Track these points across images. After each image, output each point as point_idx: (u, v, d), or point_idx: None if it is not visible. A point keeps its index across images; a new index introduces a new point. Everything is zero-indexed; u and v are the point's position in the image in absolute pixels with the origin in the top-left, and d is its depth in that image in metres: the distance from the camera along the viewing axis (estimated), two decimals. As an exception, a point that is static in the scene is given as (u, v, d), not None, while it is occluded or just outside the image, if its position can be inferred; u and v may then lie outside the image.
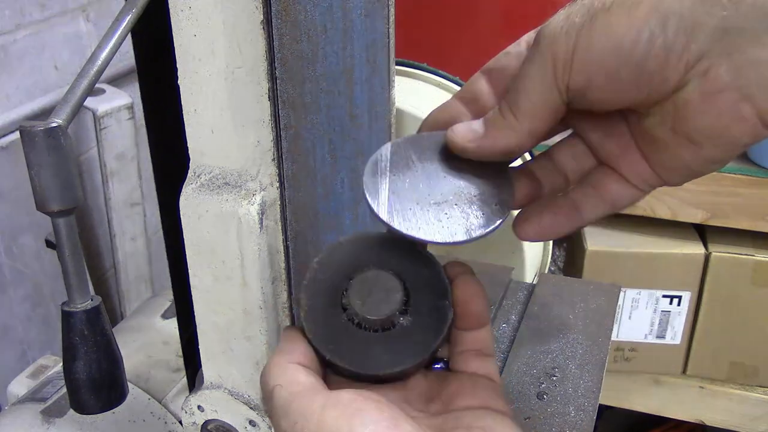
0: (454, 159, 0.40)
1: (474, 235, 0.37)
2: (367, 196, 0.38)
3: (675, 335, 1.36)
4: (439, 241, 0.37)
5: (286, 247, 0.53)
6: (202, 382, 0.58)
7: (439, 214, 0.38)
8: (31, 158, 0.44)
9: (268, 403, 0.38)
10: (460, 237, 0.37)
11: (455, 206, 0.38)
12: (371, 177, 0.39)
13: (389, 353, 0.39)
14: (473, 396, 0.40)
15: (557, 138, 0.46)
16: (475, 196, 0.39)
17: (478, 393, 0.41)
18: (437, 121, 0.43)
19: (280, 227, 0.52)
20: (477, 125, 0.40)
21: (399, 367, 0.39)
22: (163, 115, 0.53)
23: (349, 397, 0.36)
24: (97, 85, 0.61)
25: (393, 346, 0.39)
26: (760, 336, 1.32)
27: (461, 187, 0.39)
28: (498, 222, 0.38)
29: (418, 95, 0.84)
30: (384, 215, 0.38)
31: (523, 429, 0.40)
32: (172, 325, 0.85)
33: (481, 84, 0.43)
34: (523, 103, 0.38)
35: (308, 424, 0.35)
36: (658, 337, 1.37)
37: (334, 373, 0.41)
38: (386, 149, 0.41)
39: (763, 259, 1.26)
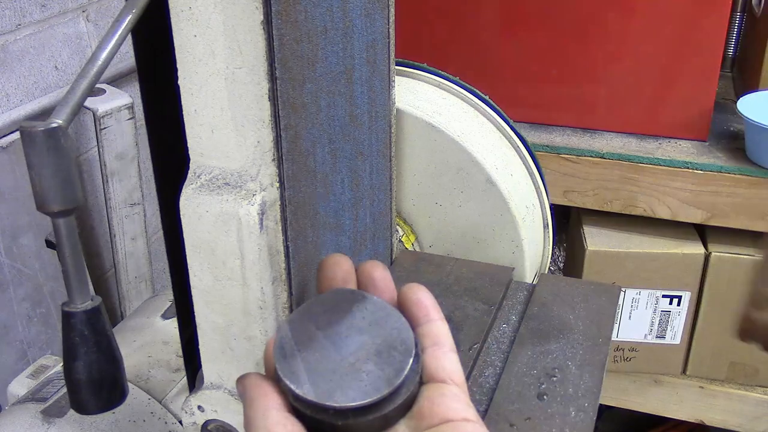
0: (347, 316, 0.43)
1: (395, 383, 0.40)
2: (289, 383, 0.40)
3: (675, 335, 1.36)
4: (368, 401, 0.39)
5: (286, 248, 0.53)
6: (202, 382, 0.58)
7: (359, 374, 0.40)
8: (31, 158, 0.44)
9: None
10: (385, 389, 0.40)
11: (368, 362, 0.41)
12: (283, 362, 0.41)
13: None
14: (432, 409, 0.41)
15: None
16: (380, 345, 0.42)
17: (438, 403, 0.41)
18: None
19: (280, 227, 0.52)
20: None
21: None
22: (163, 115, 0.53)
23: None
24: (97, 85, 0.61)
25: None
26: (760, 336, 1.32)
27: (365, 342, 0.42)
28: (410, 362, 0.41)
29: (417, 95, 0.84)
30: (312, 397, 0.39)
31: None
32: (172, 325, 0.85)
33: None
34: None
35: None
36: (658, 337, 1.37)
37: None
38: (285, 330, 0.43)
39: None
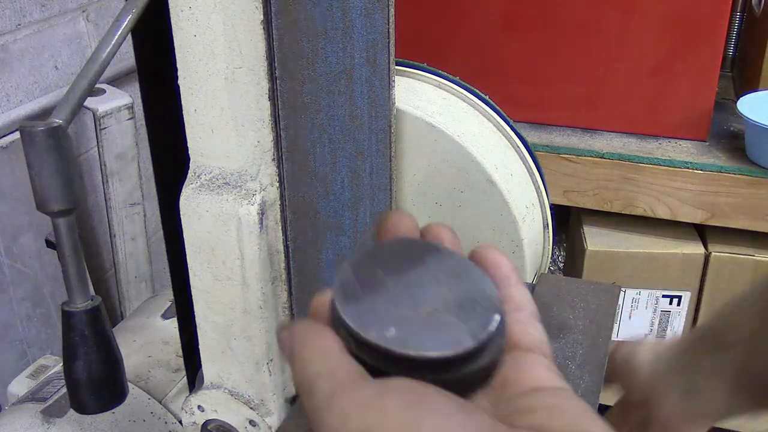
0: (420, 265, 0.37)
1: (481, 336, 0.34)
2: (353, 326, 0.33)
3: (675, 335, 1.36)
4: (450, 353, 0.33)
5: (286, 247, 0.53)
6: (202, 382, 0.58)
7: (437, 324, 0.34)
8: (31, 158, 0.44)
9: (306, 398, 0.32)
10: (470, 342, 0.34)
11: (447, 313, 0.35)
12: (346, 303, 0.35)
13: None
14: (520, 376, 0.35)
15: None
16: (462, 299, 0.36)
17: (528, 370, 0.35)
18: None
19: (280, 227, 0.52)
20: None
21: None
22: (163, 115, 0.53)
23: (403, 383, 0.31)
24: (97, 85, 0.61)
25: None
26: (760, 336, 1.32)
27: (444, 293, 0.36)
28: (497, 318, 0.35)
29: (417, 95, 0.84)
30: (382, 343, 0.33)
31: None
32: (172, 325, 0.85)
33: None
34: None
35: (365, 416, 0.29)
36: (658, 337, 1.37)
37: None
38: (347, 272, 0.36)
39: (763, 259, 1.26)
